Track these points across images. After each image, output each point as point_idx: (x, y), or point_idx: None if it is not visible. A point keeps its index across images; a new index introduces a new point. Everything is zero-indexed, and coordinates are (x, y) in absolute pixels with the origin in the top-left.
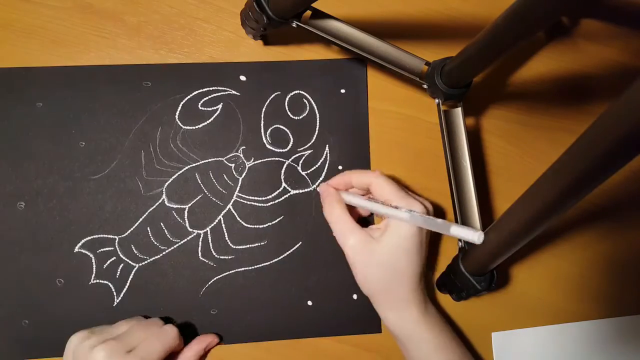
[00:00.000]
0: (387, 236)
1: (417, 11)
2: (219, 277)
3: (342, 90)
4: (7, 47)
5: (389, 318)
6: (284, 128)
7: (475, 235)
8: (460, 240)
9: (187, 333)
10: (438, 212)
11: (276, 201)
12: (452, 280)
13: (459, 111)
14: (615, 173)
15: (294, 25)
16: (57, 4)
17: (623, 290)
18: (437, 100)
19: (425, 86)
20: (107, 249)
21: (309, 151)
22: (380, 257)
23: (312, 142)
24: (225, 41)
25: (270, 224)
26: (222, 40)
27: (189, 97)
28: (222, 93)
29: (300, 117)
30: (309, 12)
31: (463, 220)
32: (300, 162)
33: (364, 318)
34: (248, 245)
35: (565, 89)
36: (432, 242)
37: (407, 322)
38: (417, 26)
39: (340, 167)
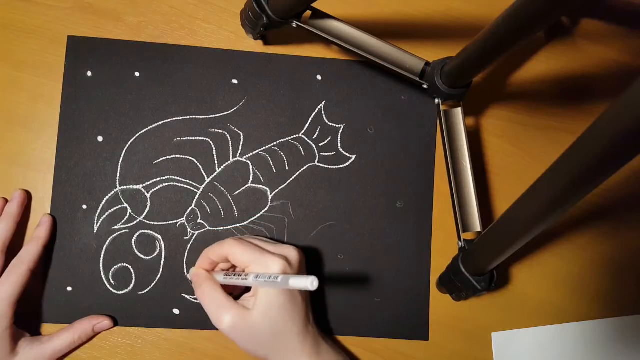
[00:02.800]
0: (258, 302)
1: (417, 11)
2: None
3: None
4: (7, 47)
5: None
6: None
7: (308, 282)
8: (459, 240)
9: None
10: (444, 209)
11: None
12: (452, 280)
13: (459, 111)
14: (615, 173)
15: (294, 25)
16: (57, 4)
17: (623, 290)
18: (437, 100)
19: (425, 86)
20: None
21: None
22: (258, 325)
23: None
24: (225, 41)
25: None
26: (222, 40)
27: None
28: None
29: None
30: (309, 12)
31: (463, 220)
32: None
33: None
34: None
35: (565, 89)
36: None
37: None
38: (417, 26)
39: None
